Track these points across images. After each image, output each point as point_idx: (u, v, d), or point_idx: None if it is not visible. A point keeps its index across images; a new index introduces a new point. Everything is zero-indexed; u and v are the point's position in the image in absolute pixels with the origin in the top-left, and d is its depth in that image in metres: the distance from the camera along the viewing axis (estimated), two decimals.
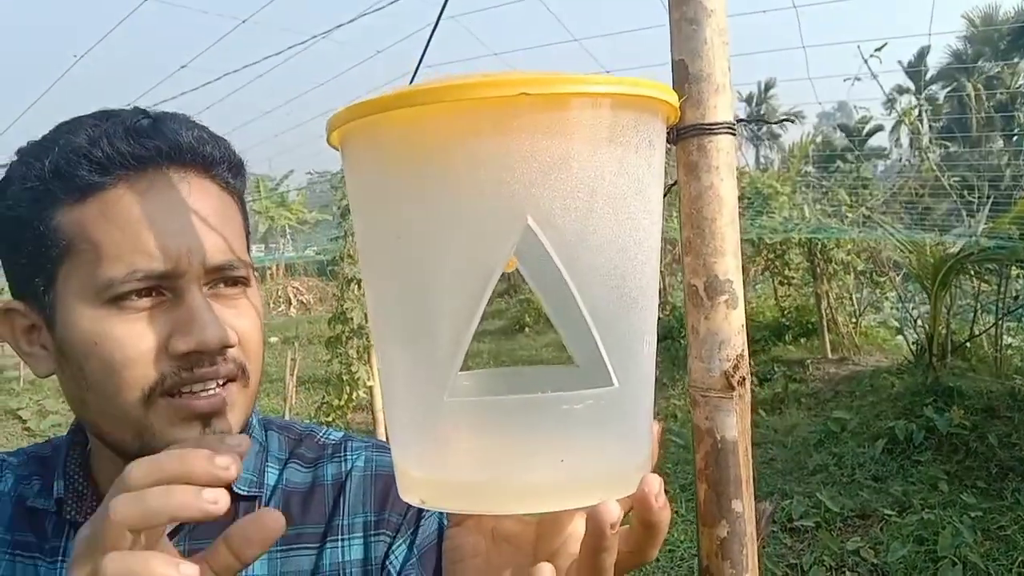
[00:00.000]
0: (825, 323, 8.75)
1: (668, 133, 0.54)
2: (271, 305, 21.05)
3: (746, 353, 0.55)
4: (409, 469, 0.50)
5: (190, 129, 0.75)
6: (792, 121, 0.63)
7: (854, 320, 9.06)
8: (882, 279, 9.17)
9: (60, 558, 0.79)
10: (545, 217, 0.45)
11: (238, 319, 0.75)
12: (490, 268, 0.46)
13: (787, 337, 9.46)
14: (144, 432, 0.71)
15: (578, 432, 0.47)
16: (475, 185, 0.46)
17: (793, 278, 9.53)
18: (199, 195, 0.74)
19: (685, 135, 0.54)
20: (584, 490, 0.47)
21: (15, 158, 0.75)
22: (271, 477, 0.86)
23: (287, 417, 5.37)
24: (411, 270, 0.48)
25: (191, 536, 0.79)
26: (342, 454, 0.89)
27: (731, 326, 0.54)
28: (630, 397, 0.49)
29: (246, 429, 0.86)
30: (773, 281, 10.35)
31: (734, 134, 0.54)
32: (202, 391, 0.71)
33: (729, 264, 0.54)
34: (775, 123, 0.60)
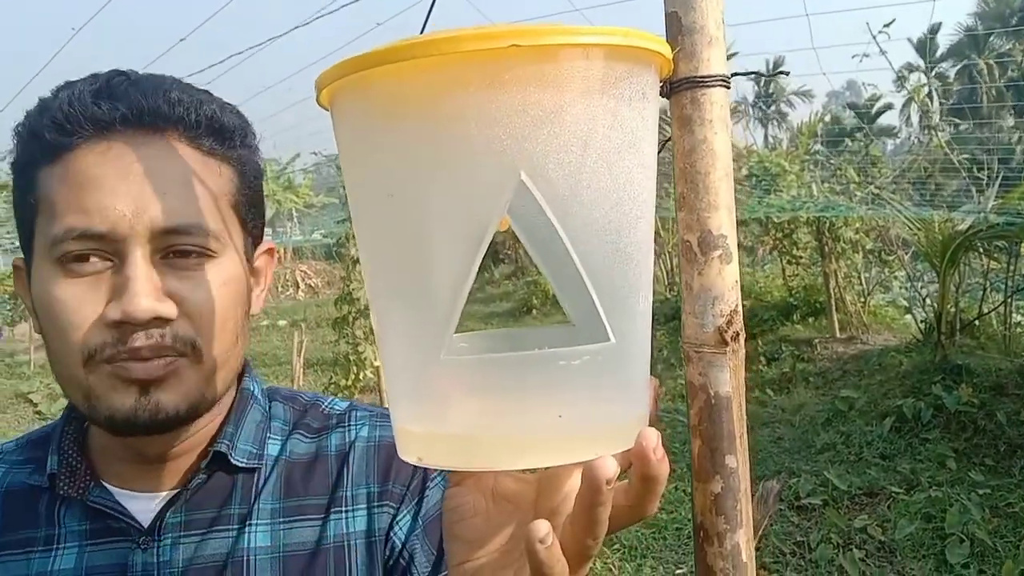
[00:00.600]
0: (833, 302, 8.72)
1: (662, 86, 0.54)
2: (279, 289, 21.11)
3: (740, 309, 0.54)
4: (407, 427, 0.50)
5: (167, 90, 0.73)
6: (786, 74, 0.62)
7: (863, 299, 9.02)
8: (891, 258, 9.12)
9: (55, 545, 0.78)
10: (538, 171, 0.45)
11: (192, 291, 0.72)
12: (484, 224, 0.46)
13: (795, 316, 9.43)
14: (89, 395, 0.71)
15: (575, 387, 0.47)
16: (466, 140, 0.45)
17: (801, 257, 9.48)
18: (163, 158, 0.71)
19: (678, 88, 0.54)
20: (582, 444, 0.47)
21: (22, 119, 0.75)
22: (273, 448, 0.85)
23: None
24: (405, 228, 0.48)
25: (187, 506, 0.79)
26: (346, 424, 0.88)
27: (725, 281, 0.54)
28: (626, 353, 0.49)
29: (246, 401, 0.85)
30: (781, 260, 10.31)
31: (728, 87, 0.54)
32: (140, 360, 0.70)
33: (723, 219, 0.53)
34: (771, 76, 0.60)
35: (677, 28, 0.54)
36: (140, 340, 0.69)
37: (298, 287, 21.10)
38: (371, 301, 0.52)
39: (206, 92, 0.78)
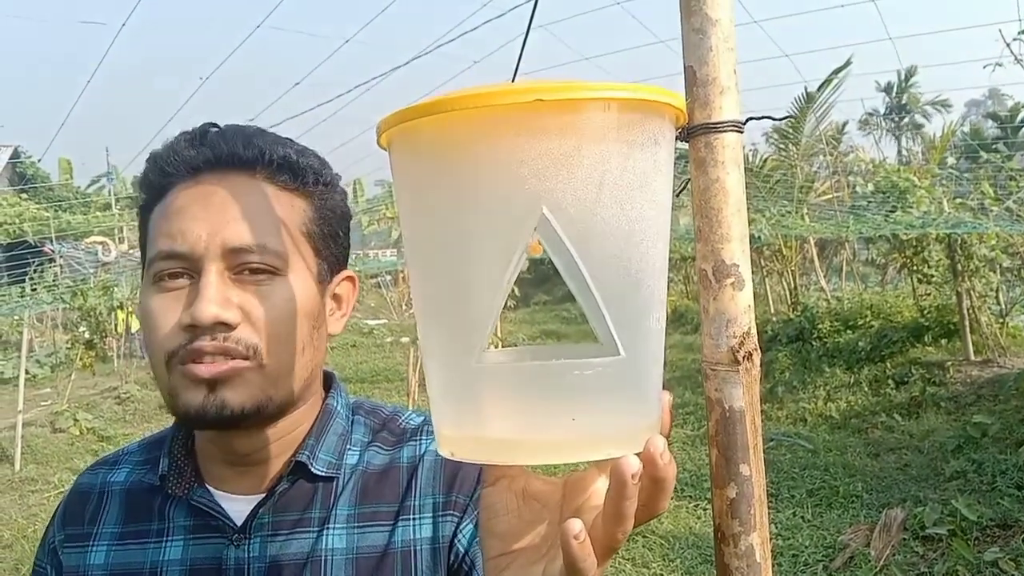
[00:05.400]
0: (967, 323, 8.28)
1: (680, 132, 0.60)
2: (403, 307, 21.70)
3: (753, 331, 0.60)
4: (442, 427, 0.58)
5: (249, 137, 0.85)
6: (793, 118, 0.66)
7: (1000, 320, 8.52)
8: None
9: (165, 538, 0.90)
10: (558, 206, 0.52)
11: (256, 303, 0.81)
12: (511, 251, 0.53)
13: (926, 338, 8.99)
14: (171, 392, 0.81)
15: (587, 395, 0.53)
16: (496, 179, 0.53)
17: (933, 276, 9.04)
18: (240, 191, 0.83)
19: (695, 133, 0.60)
20: (593, 446, 0.54)
21: None
22: (352, 458, 0.94)
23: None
24: (444, 253, 0.56)
25: (274, 509, 0.88)
26: (418, 438, 0.96)
27: (737, 306, 0.59)
28: (638, 367, 0.55)
29: (329, 416, 0.94)
30: (912, 279, 9.87)
31: (740, 131, 0.59)
32: (207, 361, 0.79)
33: (735, 249, 0.59)
34: (780, 120, 0.65)
35: (693, 80, 0.60)
36: (205, 341, 0.79)
37: None
38: (417, 320, 0.61)
39: (288, 139, 0.90)
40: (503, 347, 0.65)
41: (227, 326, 0.79)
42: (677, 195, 0.63)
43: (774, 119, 0.64)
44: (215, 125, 0.88)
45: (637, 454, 0.53)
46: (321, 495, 0.90)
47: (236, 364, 0.80)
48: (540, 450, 0.54)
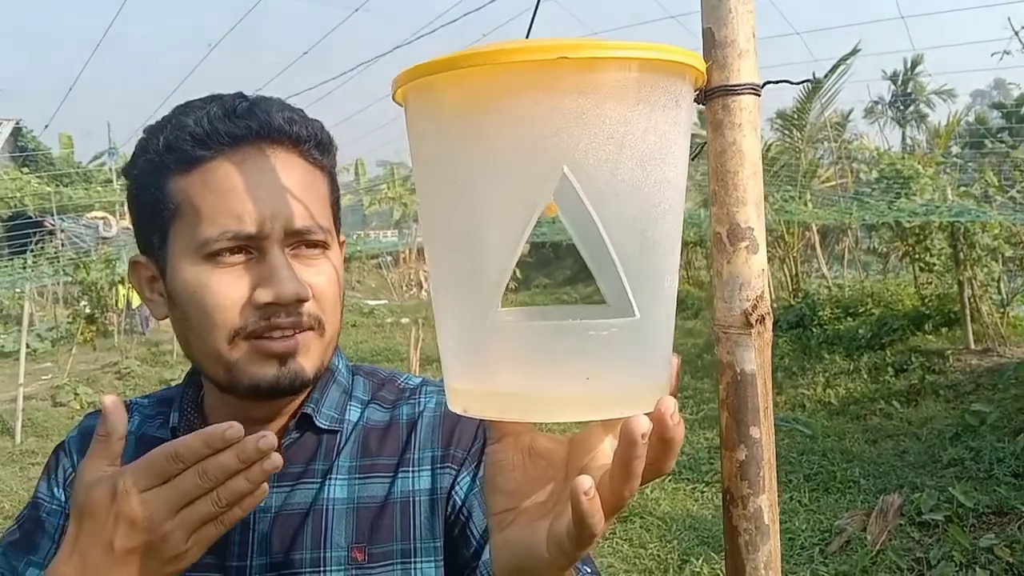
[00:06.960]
0: (968, 312, 8.28)
1: (698, 94, 0.60)
2: (403, 288, 21.74)
3: (766, 295, 0.60)
4: (454, 383, 0.58)
5: (281, 111, 0.86)
6: (813, 81, 0.66)
7: (1001, 309, 8.52)
8: None
9: None
10: (578, 166, 0.52)
11: (315, 276, 0.85)
12: (530, 209, 0.53)
13: (927, 326, 9.00)
14: (231, 368, 0.83)
15: (601, 355, 0.54)
16: (516, 137, 0.53)
17: (935, 264, 9.03)
18: (286, 168, 0.84)
19: (712, 96, 0.60)
20: (606, 405, 0.54)
21: (143, 135, 0.88)
22: (353, 414, 0.97)
23: None
24: (462, 210, 0.56)
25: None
26: (416, 397, 0.99)
27: (751, 270, 0.59)
28: (649, 328, 0.55)
29: (331, 374, 0.97)
30: (914, 268, 9.86)
31: (758, 94, 0.59)
32: (280, 336, 0.82)
33: (750, 212, 0.59)
34: (798, 83, 0.64)
35: (711, 42, 0.60)
36: (282, 317, 0.82)
37: (421, 286, 21.69)
38: (431, 275, 0.61)
39: (301, 110, 0.91)
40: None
41: (301, 301, 0.83)
42: (692, 159, 0.63)
43: (792, 82, 0.64)
44: (244, 96, 0.87)
45: (647, 414, 0.53)
46: (324, 448, 0.93)
47: (305, 336, 0.85)
48: (553, 407, 0.54)
